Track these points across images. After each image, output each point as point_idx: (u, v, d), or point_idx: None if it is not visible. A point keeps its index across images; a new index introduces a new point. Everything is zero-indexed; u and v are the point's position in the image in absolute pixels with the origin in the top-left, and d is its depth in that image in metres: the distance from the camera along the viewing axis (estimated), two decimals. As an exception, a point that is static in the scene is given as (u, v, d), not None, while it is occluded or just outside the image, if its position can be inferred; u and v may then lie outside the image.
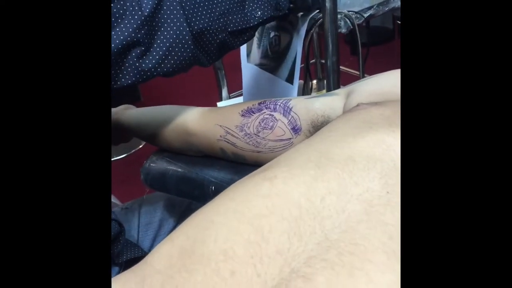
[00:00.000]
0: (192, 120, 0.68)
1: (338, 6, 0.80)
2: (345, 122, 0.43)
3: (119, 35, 0.53)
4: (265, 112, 0.61)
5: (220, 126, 0.64)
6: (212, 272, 0.30)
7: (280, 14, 0.72)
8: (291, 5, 0.74)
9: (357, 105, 0.48)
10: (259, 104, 0.62)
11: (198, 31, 0.61)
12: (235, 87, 1.32)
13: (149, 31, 0.56)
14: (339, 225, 0.31)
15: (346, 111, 0.50)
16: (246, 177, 0.40)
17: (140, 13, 0.54)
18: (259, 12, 0.68)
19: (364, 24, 1.04)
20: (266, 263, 0.30)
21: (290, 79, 0.86)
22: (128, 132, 0.78)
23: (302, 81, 1.01)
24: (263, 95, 1.01)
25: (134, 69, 0.57)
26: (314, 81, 1.37)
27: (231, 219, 0.33)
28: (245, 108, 0.63)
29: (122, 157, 2.04)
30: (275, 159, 0.42)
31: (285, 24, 0.85)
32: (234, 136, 0.63)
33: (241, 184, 0.38)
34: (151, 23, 0.56)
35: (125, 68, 0.57)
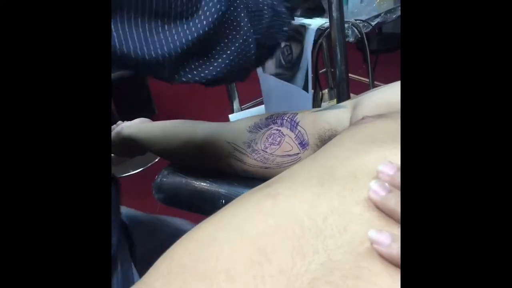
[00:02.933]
0: (201, 136, 0.68)
1: (345, 15, 0.80)
2: (350, 137, 0.43)
3: (192, 31, 0.50)
4: (272, 128, 0.61)
5: (228, 142, 0.64)
6: None
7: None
8: None
9: (362, 118, 0.47)
10: (266, 119, 0.62)
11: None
12: (246, 99, 1.32)
13: (220, 30, 0.53)
14: (341, 245, 0.31)
15: (352, 124, 0.49)
16: (249, 192, 0.39)
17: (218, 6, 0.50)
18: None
19: (376, 30, 1.04)
20: (269, 283, 0.29)
21: (305, 87, 0.87)
22: (141, 147, 0.79)
23: (312, 91, 1.01)
24: (283, 104, 1.02)
25: (194, 69, 0.54)
26: (325, 91, 1.37)
27: (234, 236, 0.33)
28: (252, 124, 0.63)
29: (138, 171, 2.06)
30: (279, 175, 0.41)
31: (294, 34, 0.85)
32: (242, 153, 0.63)
33: (244, 200, 0.38)
34: (225, 20, 0.52)
35: (186, 65, 0.53)
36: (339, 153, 0.40)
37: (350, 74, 0.90)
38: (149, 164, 2.09)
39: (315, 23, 0.86)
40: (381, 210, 0.32)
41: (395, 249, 0.28)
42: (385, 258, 0.29)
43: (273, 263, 0.30)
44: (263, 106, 1.17)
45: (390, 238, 0.29)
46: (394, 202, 0.31)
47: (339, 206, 0.33)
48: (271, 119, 0.62)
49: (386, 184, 0.32)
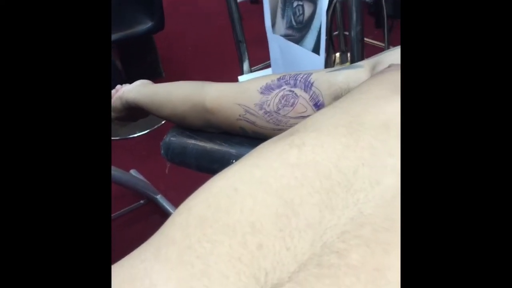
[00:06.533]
0: (210, 99, 0.65)
1: (363, -26, 0.77)
2: (377, 84, 0.41)
3: None
4: (285, 89, 0.59)
5: (239, 105, 0.62)
6: (238, 244, 0.28)
7: None
8: None
9: (389, 66, 0.45)
10: (278, 80, 0.60)
11: None
12: (256, 61, 1.30)
13: None
14: (373, 198, 0.30)
15: (376, 72, 0.47)
16: (270, 141, 0.38)
17: None
18: None
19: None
20: (297, 237, 0.28)
21: (316, 50, 0.84)
22: (145, 111, 0.77)
23: (325, 54, 0.99)
24: (291, 66, 1.00)
25: None
26: (337, 54, 1.34)
27: (257, 188, 0.31)
28: (264, 84, 0.60)
29: (145, 133, 2.06)
30: (301, 122, 0.39)
31: (308, -7, 0.82)
32: (254, 115, 0.61)
33: (265, 149, 0.36)
34: None
35: None
36: (367, 100, 0.38)
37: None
38: (156, 126, 2.09)
39: (331, -19, 0.83)
40: None
41: None
42: None
43: (300, 216, 0.29)
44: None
45: None
46: None
47: (370, 158, 0.32)
48: (283, 80, 0.60)
49: None
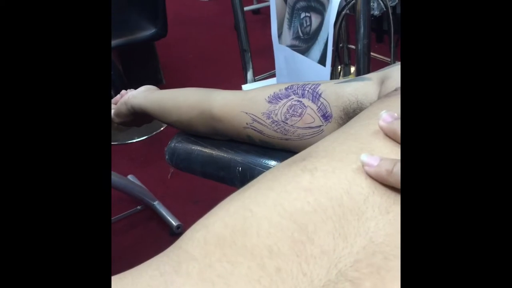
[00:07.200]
0: (217, 106, 0.65)
1: (371, -12, 0.77)
2: (385, 109, 0.42)
3: None
4: (293, 98, 0.59)
5: (246, 113, 0.62)
6: (257, 267, 0.29)
7: None
8: None
9: (395, 90, 0.46)
10: (286, 89, 0.60)
11: None
12: (258, 71, 1.30)
13: None
14: (383, 227, 0.31)
15: (383, 95, 0.48)
16: (282, 164, 0.39)
17: None
18: None
19: (390, 12, 1.01)
20: (312, 263, 0.29)
21: (322, 61, 0.84)
22: (150, 117, 0.76)
23: (331, 65, 1.00)
24: (296, 77, 1.00)
25: None
26: (339, 67, 1.35)
27: (272, 212, 0.32)
28: (272, 94, 0.61)
29: (143, 139, 2.05)
30: (313, 146, 0.40)
31: (316, 4, 0.83)
32: (261, 124, 0.61)
33: (279, 172, 0.37)
34: None
35: None
36: (375, 125, 0.38)
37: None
38: (154, 132, 2.08)
39: (340, -6, 0.84)
40: (389, 135, 0.35)
41: (382, 168, 0.32)
42: (373, 177, 0.33)
43: (315, 243, 0.30)
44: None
45: (378, 159, 0.33)
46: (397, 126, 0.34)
47: (380, 186, 0.33)
48: (291, 89, 0.60)
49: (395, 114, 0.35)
